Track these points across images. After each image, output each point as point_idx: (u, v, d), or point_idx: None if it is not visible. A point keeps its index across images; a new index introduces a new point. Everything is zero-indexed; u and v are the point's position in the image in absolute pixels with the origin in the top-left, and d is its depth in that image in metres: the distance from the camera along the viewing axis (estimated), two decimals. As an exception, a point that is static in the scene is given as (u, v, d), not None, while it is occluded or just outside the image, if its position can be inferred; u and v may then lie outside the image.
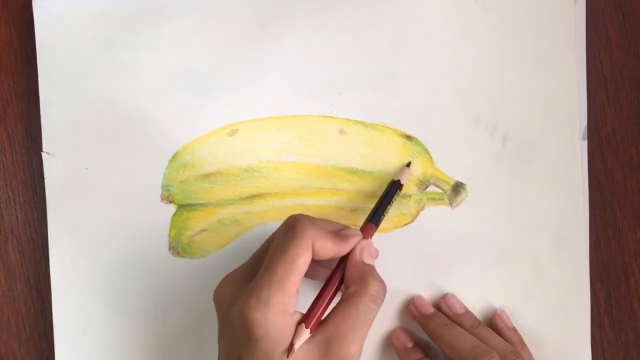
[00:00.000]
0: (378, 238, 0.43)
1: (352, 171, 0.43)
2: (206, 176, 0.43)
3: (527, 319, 0.43)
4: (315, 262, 0.36)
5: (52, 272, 0.42)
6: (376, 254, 0.39)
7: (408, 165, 0.42)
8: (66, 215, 0.42)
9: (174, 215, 0.43)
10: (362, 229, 0.38)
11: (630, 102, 0.45)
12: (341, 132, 0.43)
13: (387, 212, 0.40)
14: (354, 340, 0.34)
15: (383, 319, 0.43)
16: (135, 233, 0.42)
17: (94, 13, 0.43)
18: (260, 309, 0.32)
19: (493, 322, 0.42)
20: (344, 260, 0.37)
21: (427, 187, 0.43)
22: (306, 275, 0.38)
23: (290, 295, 0.33)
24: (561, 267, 0.43)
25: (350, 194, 0.43)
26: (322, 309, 0.35)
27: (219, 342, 0.36)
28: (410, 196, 0.43)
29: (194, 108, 0.43)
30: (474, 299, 0.43)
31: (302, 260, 0.33)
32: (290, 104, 0.43)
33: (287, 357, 0.33)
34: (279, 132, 0.43)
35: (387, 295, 0.42)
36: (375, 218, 0.39)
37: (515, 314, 0.43)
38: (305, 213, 0.42)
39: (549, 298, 0.43)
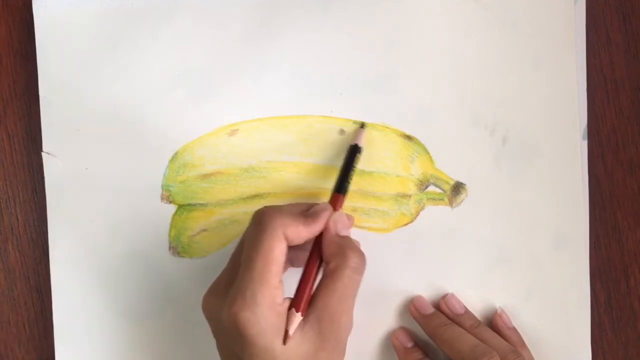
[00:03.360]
0: (378, 238, 0.43)
1: (352, 171, 0.43)
2: (206, 176, 0.43)
3: (527, 319, 0.43)
4: (295, 249, 0.36)
5: (52, 272, 0.42)
6: (350, 222, 0.39)
7: (362, 126, 0.42)
8: (66, 215, 0.42)
9: (174, 215, 0.43)
10: (331, 202, 0.38)
11: (630, 102, 0.45)
12: (341, 132, 0.43)
13: (351, 178, 0.40)
14: (343, 313, 0.34)
15: (383, 319, 0.43)
16: (135, 233, 0.42)
17: (94, 13, 0.43)
18: (249, 308, 0.32)
19: (493, 322, 0.42)
20: (319, 237, 0.37)
21: (427, 187, 0.43)
22: (291, 264, 0.38)
23: (275, 287, 0.33)
24: (561, 267, 0.43)
25: (350, 194, 0.43)
26: (308, 289, 0.35)
27: (218, 350, 0.36)
28: (410, 196, 0.43)
29: (194, 108, 0.43)
30: (474, 299, 0.43)
31: (277, 251, 0.33)
32: (290, 104, 0.43)
33: (284, 344, 0.33)
34: (279, 132, 0.43)
35: (387, 295, 0.43)
36: (340, 187, 0.39)
37: (515, 314, 0.43)
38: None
39: (549, 298, 0.43)
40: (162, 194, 0.43)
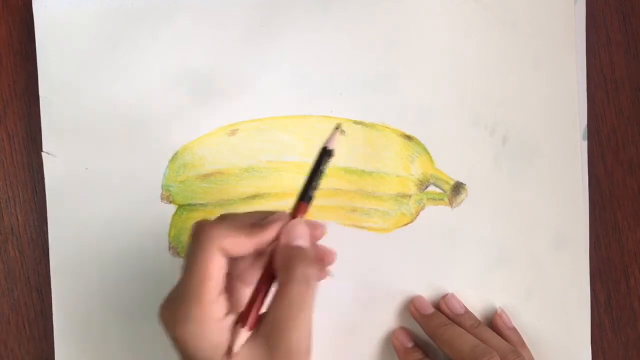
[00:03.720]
0: (378, 238, 0.43)
1: (352, 171, 0.43)
2: (206, 176, 0.43)
3: (527, 319, 0.43)
4: (250, 264, 0.35)
5: (52, 272, 0.42)
6: (321, 231, 0.36)
7: (337, 127, 0.36)
8: (66, 215, 0.42)
9: (174, 215, 0.43)
10: (293, 210, 0.35)
11: (630, 102, 0.45)
12: (341, 132, 0.43)
13: (318, 185, 0.35)
14: (294, 329, 0.31)
15: (383, 319, 0.43)
16: (135, 233, 0.42)
17: (94, 13, 0.43)
18: (183, 325, 0.31)
19: (493, 322, 0.42)
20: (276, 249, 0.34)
21: (427, 187, 0.43)
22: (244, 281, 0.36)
23: (211, 302, 0.32)
24: (561, 267, 0.43)
25: (350, 194, 0.43)
26: (256, 303, 0.33)
27: None
28: (410, 196, 0.43)
29: (194, 108, 0.43)
30: (474, 299, 0.43)
31: (212, 266, 0.32)
32: (290, 104, 0.43)
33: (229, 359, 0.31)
34: (279, 132, 0.43)
35: (387, 296, 0.43)
36: (304, 195, 0.35)
37: (515, 314, 0.43)
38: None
39: (549, 298, 0.43)
40: (162, 194, 0.43)
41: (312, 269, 0.33)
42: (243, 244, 0.33)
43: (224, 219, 0.34)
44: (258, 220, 0.34)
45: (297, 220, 0.34)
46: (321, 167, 0.35)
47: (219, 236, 0.32)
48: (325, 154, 0.36)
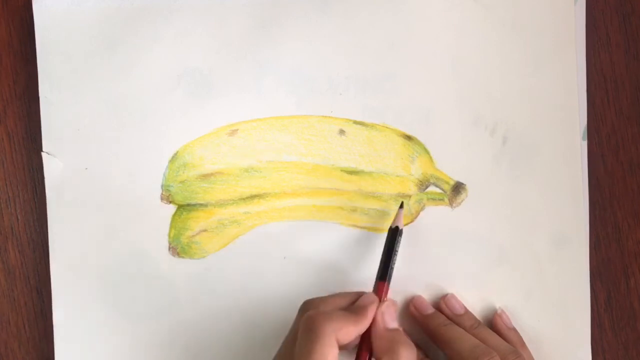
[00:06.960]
0: (378, 238, 0.43)
1: (352, 171, 0.43)
2: (206, 176, 0.43)
3: (527, 319, 0.43)
4: None
5: (52, 272, 0.42)
6: (395, 307, 0.39)
7: (401, 206, 0.41)
8: (66, 215, 0.42)
9: (174, 215, 0.43)
10: (375, 291, 0.38)
11: (630, 102, 0.45)
12: (341, 132, 0.43)
13: (394, 263, 0.39)
14: None
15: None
16: (135, 233, 0.42)
17: (94, 13, 0.43)
18: None
19: (493, 322, 0.42)
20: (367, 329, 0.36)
21: (427, 187, 0.43)
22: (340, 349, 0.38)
23: None
24: (561, 267, 0.43)
25: (350, 194, 0.43)
26: None
27: None
28: (410, 196, 0.43)
29: (194, 108, 0.43)
30: (474, 299, 0.43)
31: (330, 358, 0.33)
32: (290, 104, 0.43)
33: None
34: (279, 132, 0.43)
35: (387, 295, 0.43)
36: (384, 274, 0.38)
37: (515, 314, 0.43)
38: (306, 212, 0.42)
39: (549, 298, 0.43)
40: (162, 194, 0.43)
41: (413, 352, 0.35)
42: (352, 332, 0.35)
43: (318, 305, 0.36)
44: (348, 303, 0.37)
45: (388, 303, 0.37)
46: (395, 247, 0.39)
47: (334, 329, 0.34)
48: (396, 234, 0.40)
